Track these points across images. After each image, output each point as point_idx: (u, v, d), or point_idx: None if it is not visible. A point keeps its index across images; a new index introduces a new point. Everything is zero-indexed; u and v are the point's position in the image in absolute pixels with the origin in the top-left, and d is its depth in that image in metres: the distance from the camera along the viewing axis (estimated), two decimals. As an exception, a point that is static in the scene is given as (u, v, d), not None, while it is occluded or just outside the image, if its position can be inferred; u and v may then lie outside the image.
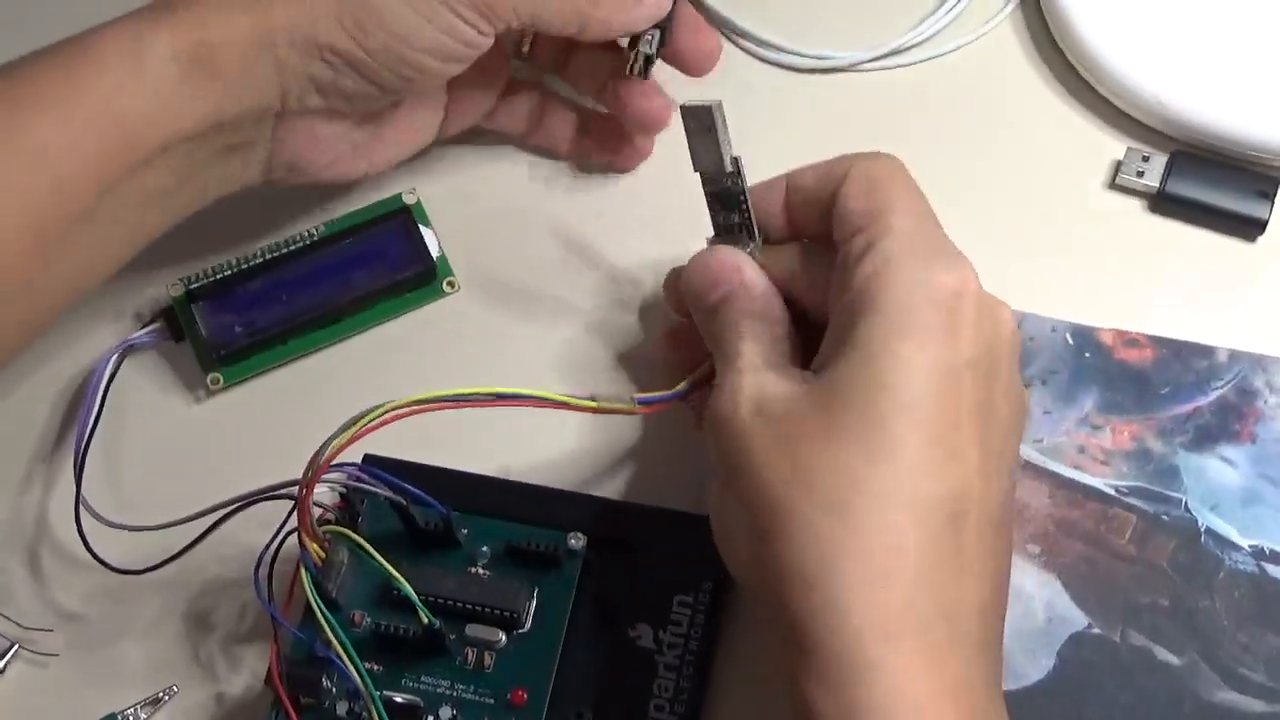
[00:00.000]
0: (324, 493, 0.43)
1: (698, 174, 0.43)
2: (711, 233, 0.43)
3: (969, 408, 0.36)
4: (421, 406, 0.38)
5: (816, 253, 0.41)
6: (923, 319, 0.36)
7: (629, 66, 0.47)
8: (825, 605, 0.33)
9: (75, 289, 0.43)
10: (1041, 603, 0.43)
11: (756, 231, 0.42)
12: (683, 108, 0.41)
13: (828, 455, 0.35)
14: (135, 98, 0.40)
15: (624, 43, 0.48)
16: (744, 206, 0.42)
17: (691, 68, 0.49)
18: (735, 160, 0.42)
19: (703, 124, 0.41)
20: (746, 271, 0.41)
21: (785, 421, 0.36)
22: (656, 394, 0.41)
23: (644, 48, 0.47)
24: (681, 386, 0.42)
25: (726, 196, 0.42)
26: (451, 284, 0.49)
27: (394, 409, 0.38)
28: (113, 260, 0.43)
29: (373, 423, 0.38)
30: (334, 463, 0.42)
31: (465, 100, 0.49)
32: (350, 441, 0.38)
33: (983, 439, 0.36)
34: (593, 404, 0.40)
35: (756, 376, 0.38)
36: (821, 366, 0.37)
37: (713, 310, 0.41)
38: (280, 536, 0.41)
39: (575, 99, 0.52)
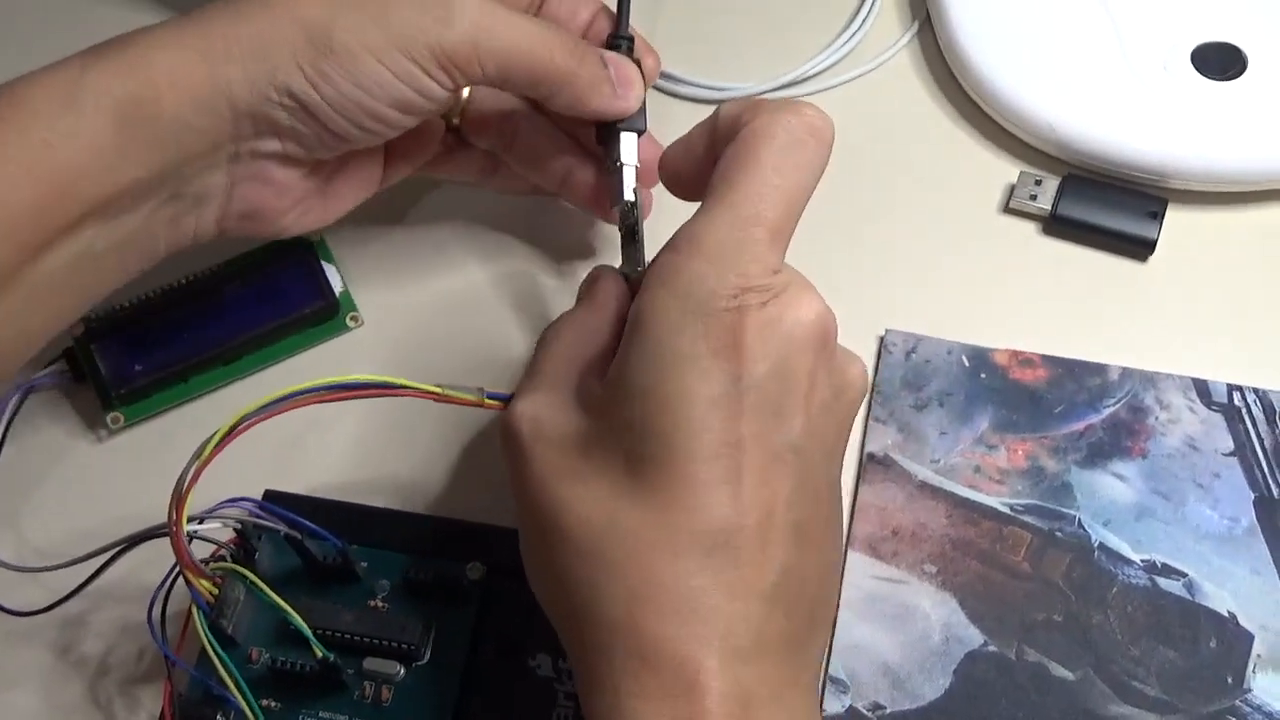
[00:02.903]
0: (219, 530, 0.43)
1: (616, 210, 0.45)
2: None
3: (750, 432, 0.33)
4: (255, 419, 0.38)
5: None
6: (688, 350, 0.33)
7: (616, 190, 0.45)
8: (589, 641, 0.34)
9: (3, 356, 0.40)
10: (938, 622, 0.43)
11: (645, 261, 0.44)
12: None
13: (586, 492, 0.35)
14: (71, 149, 0.37)
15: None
16: (638, 235, 0.44)
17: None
18: (636, 190, 0.44)
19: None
20: (600, 295, 0.41)
21: (557, 453, 0.36)
22: (508, 393, 0.40)
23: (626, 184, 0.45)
24: None
25: (631, 232, 0.44)
26: (355, 319, 0.50)
27: (230, 428, 0.37)
28: (49, 324, 0.41)
29: (216, 447, 0.37)
30: (231, 499, 0.42)
31: (402, 155, 0.48)
32: (202, 467, 0.37)
33: (766, 460, 0.34)
34: (436, 389, 0.39)
35: (546, 396, 0.37)
36: (600, 394, 0.36)
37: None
38: (173, 575, 0.41)
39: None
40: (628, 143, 0.45)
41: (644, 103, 0.46)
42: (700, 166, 0.38)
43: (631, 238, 0.44)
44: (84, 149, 0.38)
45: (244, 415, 0.38)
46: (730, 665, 0.33)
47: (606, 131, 0.46)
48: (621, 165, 0.45)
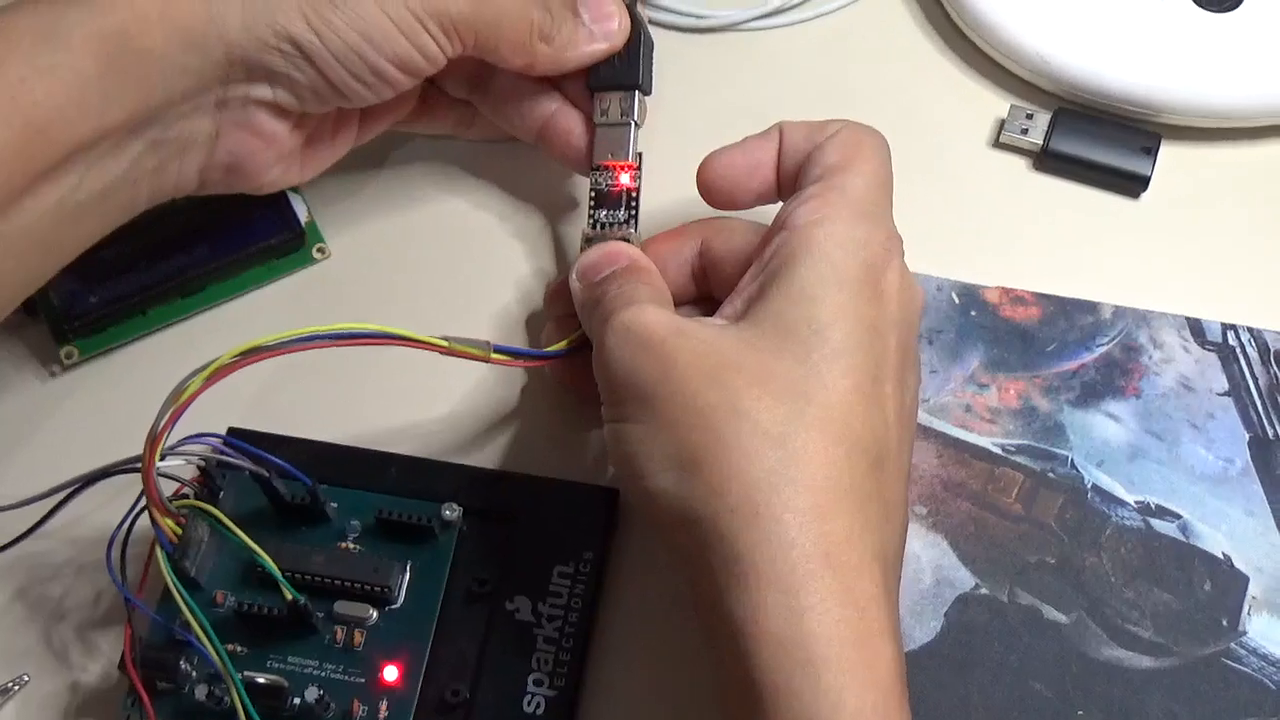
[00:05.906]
0: (182, 467, 0.41)
1: (594, 169, 0.44)
2: (587, 227, 0.43)
3: (891, 365, 0.36)
4: (251, 357, 0.36)
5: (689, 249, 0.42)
6: (853, 274, 0.36)
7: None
8: (769, 533, 0.33)
9: None
10: (929, 564, 0.42)
11: (638, 227, 0.43)
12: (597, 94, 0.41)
13: (759, 387, 0.34)
14: (50, 86, 0.35)
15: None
16: (635, 202, 0.43)
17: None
18: (639, 155, 0.43)
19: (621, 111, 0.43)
20: (637, 255, 0.40)
21: (710, 350, 0.35)
22: (517, 347, 0.39)
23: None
24: (552, 349, 0.40)
25: (616, 195, 0.43)
26: (322, 250, 0.47)
27: (221, 365, 0.35)
28: (27, 279, 0.39)
29: (202, 384, 0.35)
30: (194, 435, 0.40)
31: (379, 110, 0.45)
32: (185, 405, 0.35)
33: (897, 398, 0.36)
34: (444, 343, 0.38)
35: (665, 309, 0.37)
36: (744, 309, 0.37)
37: (602, 282, 0.39)
38: (133, 514, 0.39)
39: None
40: (637, 101, 0.44)
41: (650, 63, 0.44)
42: (759, 174, 0.40)
43: (618, 199, 0.43)
44: (64, 87, 0.36)
45: (239, 353, 0.36)
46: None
47: (595, 80, 0.44)
48: (630, 123, 0.44)
